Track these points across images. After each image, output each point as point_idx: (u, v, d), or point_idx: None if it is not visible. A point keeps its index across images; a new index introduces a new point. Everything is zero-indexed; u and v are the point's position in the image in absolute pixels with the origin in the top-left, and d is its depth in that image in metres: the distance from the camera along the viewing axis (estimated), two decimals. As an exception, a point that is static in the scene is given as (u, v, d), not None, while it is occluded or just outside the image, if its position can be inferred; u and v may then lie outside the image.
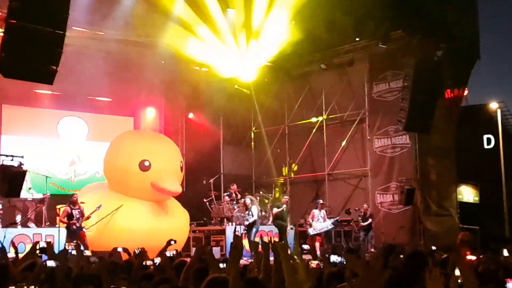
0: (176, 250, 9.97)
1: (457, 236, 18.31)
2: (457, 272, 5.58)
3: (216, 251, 16.25)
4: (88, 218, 15.24)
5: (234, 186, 20.19)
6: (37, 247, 8.30)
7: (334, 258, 7.26)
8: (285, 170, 22.78)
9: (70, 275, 6.22)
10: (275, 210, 18.55)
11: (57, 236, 14.96)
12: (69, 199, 15.41)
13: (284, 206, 18.34)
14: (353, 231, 19.70)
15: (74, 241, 12.91)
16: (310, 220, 18.30)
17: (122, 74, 20.08)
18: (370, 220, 18.68)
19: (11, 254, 10.18)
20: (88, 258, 8.49)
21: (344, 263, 6.86)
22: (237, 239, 4.84)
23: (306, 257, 10.09)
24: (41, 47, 11.45)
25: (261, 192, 21.61)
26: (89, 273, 6.26)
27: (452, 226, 18.98)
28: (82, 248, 12.14)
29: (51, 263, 6.95)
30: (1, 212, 15.72)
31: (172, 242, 9.64)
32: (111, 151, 17.37)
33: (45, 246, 8.25)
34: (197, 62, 21.47)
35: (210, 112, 23.47)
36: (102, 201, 15.86)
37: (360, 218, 19.04)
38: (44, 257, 8.37)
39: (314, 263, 6.12)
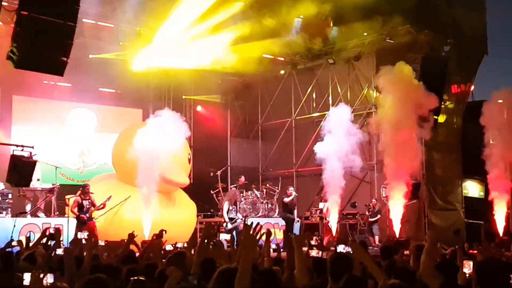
0: (186, 242, 10.14)
1: (462, 231, 18.57)
2: (465, 268, 5.71)
3: (224, 243, 16.39)
4: (98, 208, 15.42)
5: (242, 178, 20.35)
6: (47, 234, 8.47)
7: (341, 248, 7.35)
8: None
9: (81, 263, 6.37)
10: (286, 199, 18.83)
11: (66, 226, 15.14)
12: (81, 189, 15.58)
13: (291, 198, 18.61)
14: (359, 224, 19.81)
15: (86, 232, 13.07)
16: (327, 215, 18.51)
17: (132, 67, 20.22)
18: (378, 216, 18.77)
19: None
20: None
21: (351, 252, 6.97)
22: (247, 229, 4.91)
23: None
24: (52, 39, 11.54)
25: (267, 185, 21.75)
26: (104, 263, 6.40)
27: (457, 221, 19.07)
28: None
29: (60, 251, 7.10)
30: (11, 201, 15.90)
31: (164, 233, 9.88)
32: (120, 143, 17.55)
33: (53, 232, 8.41)
34: (206, 56, 21.63)
35: (217, 105, 23.66)
36: (110, 192, 16.04)
37: (369, 213, 19.13)
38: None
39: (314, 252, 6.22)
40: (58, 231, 8.56)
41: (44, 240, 8.88)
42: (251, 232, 4.46)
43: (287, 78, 23.78)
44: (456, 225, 18.86)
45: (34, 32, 11.29)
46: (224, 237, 9.36)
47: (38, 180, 16.65)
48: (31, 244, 9.05)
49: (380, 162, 20.47)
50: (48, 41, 11.49)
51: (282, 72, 23.71)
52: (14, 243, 9.46)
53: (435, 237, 5.13)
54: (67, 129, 20.78)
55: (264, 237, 6.04)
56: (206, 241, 6.16)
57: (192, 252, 6.98)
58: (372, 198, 19.62)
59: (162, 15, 19.21)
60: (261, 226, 4.89)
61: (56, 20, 11.37)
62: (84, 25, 17.30)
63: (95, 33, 18.78)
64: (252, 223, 4.55)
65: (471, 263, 5.66)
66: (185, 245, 9.94)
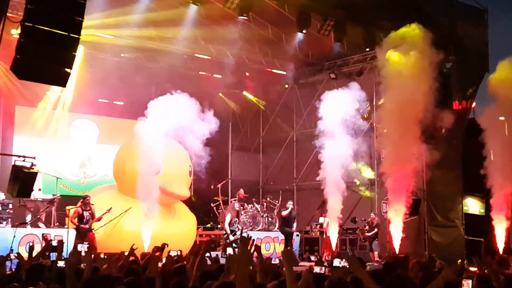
0: (180, 251, 10.14)
1: (462, 247, 18.55)
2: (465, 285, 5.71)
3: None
4: (98, 220, 15.42)
5: (241, 191, 20.35)
6: (49, 245, 8.45)
7: (337, 262, 7.30)
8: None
9: (81, 275, 6.37)
10: (283, 212, 18.81)
11: (66, 237, 15.11)
12: (82, 200, 15.57)
13: (288, 210, 18.60)
14: (359, 239, 19.79)
15: (86, 243, 13.06)
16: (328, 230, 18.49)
17: (134, 78, 20.30)
18: (375, 230, 18.77)
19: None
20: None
21: (347, 267, 6.94)
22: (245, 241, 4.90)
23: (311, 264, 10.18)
24: (55, 50, 11.52)
25: (268, 198, 21.74)
26: (101, 275, 6.39)
27: (457, 237, 19.03)
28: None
29: (61, 263, 7.09)
30: (11, 211, 15.90)
31: (166, 246, 9.88)
32: (121, 154, 17.57)
33: (56, 245, 8.38)
34: (209, 69, 21.76)
35: (219, 118, 23.63)
36: (111, 203, 16.05)
37: (366, 228, 19.13)
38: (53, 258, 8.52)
39: (317, 268, 6.20)
40: (61, 243, 8.54)
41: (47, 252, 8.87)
42: (248, 247, 4.48)
43: (289, 92, 23.84)
44: (456, 242, 18.84)
45: (38, 44, 11.29)
46: (230, 251, 9.33)
47: (40, 190, 16.67)
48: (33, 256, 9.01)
49: (380, 177, 20.46)
50: (51, 52, 11.47)
51: (286, 86, 23.74)
52: (12, 256, 9.42)
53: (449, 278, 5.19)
54: (69, 139, 20.81)
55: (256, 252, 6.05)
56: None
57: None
58: (375, 214, 19.55)
59: (165, 28, 19.34)
60: (253, 241, 4.91)
61: (60, 32, 11.39)
62: (87, 36, 17.37)
63: (97, 45, 18.88)
64: (249, 236, 4.57)
65: (470, 282, 5.65)
66: (179, 253, 9.94)
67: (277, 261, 11.39)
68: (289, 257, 4.94)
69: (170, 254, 9.38)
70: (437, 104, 16.87)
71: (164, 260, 9.12)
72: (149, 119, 15.74)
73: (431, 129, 16.94)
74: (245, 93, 24.07)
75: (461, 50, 18.80)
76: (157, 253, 8.62)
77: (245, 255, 4.39)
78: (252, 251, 4.87)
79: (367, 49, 19.81)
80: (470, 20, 19.23)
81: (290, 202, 19.37)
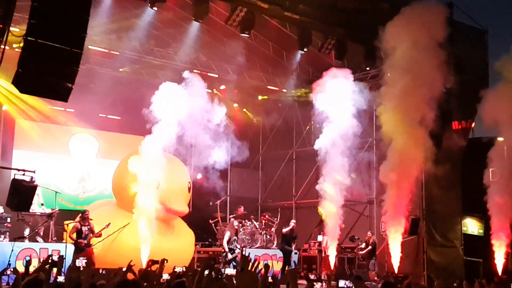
0: (185, 267, 10.13)
1: (461, 268, 18.49)
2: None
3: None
4: (97, 235, 15.36)
5: (241, 208, 20.31)
6: (49, 260, 8.41)
7: (342, 283, 7.34)
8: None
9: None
10: (284, 229, 18.78)
11: (64, 252, 15.03)
12: (81, 215, 15.54)
13: (289, 228, 18.58)
14: (357, 258, 19.72)
15: (83, 258, 13.00)
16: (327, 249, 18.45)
17: (135, 94, 20.33)
18: (369, 247, 18.64)
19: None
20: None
21: None
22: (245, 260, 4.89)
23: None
24: (57, 65, 11.53)
25: (266, 216, 21.68)
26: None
27: (456, 258, 18.96)
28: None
29: (61, 279, 7.06)
30: (9, 225, 15.83)
31: (165, 262, 9.87)
32: (120, 170, 17.55)
33: (57, 260, 8.34)
34: (209, 85, 21.77)
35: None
36: (109, 218, 16.00)
37: (360, 245, 19.07)
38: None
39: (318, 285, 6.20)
40: (61, 258, 8.49)
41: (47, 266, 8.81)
42: (249, 267, 4.46)
43: (289, 110, 23.86)
44: (455, 262, 18.78)
45: (40, 58, 11.31)
46: (228, 271, 9.30)
47: (42, 204, 16.57)
48: (31, 270, 8.96)
49: (379, 196, 20.45)
50: (54, 67, 11.48)
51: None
52: (8, 271, 9.35)
53: None
54: (68, 154, 20.79)
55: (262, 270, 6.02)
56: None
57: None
58: (372, 233, 19.48)
59: (167, 44, 19.42)
60: (250, 259, 4.88)
61: (63, 47, 11.41)
62: (89, 51, 17.45)
63: (100, 59, 18.94)
64: (249, 255, 4.58)
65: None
66: (184, 269, 9.93)
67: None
68: (294, 275, 4.96)
69: (175, 270, 9.36)
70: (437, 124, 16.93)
71: (167, 275, 9.13)
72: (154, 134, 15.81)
73: (431, 148, 16.93)
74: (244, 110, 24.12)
75: (461, 69, 18.84)
76: (153, 267, 8.57)
77: (249, 274, 4.37)
78: (254, 269, 4.85)
79: (367, 68, 19.85)
80: (471, 40, 19.33)
81: (293, 221, 19.32)
